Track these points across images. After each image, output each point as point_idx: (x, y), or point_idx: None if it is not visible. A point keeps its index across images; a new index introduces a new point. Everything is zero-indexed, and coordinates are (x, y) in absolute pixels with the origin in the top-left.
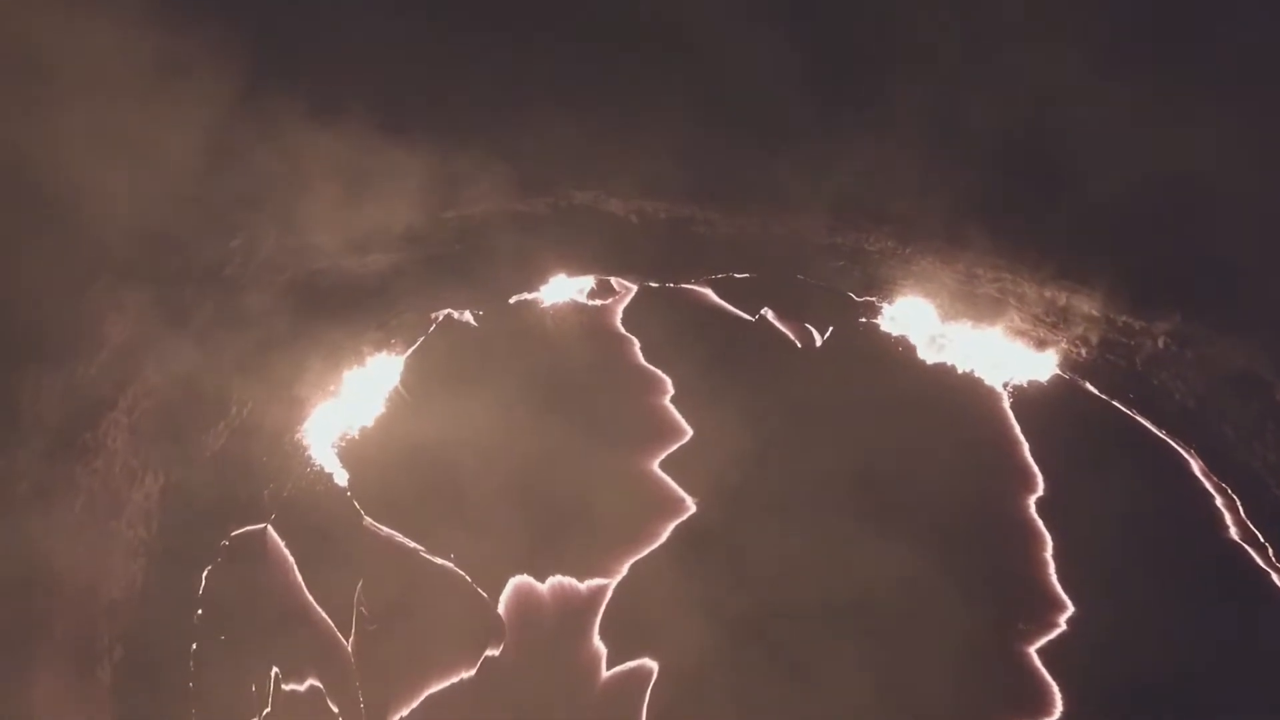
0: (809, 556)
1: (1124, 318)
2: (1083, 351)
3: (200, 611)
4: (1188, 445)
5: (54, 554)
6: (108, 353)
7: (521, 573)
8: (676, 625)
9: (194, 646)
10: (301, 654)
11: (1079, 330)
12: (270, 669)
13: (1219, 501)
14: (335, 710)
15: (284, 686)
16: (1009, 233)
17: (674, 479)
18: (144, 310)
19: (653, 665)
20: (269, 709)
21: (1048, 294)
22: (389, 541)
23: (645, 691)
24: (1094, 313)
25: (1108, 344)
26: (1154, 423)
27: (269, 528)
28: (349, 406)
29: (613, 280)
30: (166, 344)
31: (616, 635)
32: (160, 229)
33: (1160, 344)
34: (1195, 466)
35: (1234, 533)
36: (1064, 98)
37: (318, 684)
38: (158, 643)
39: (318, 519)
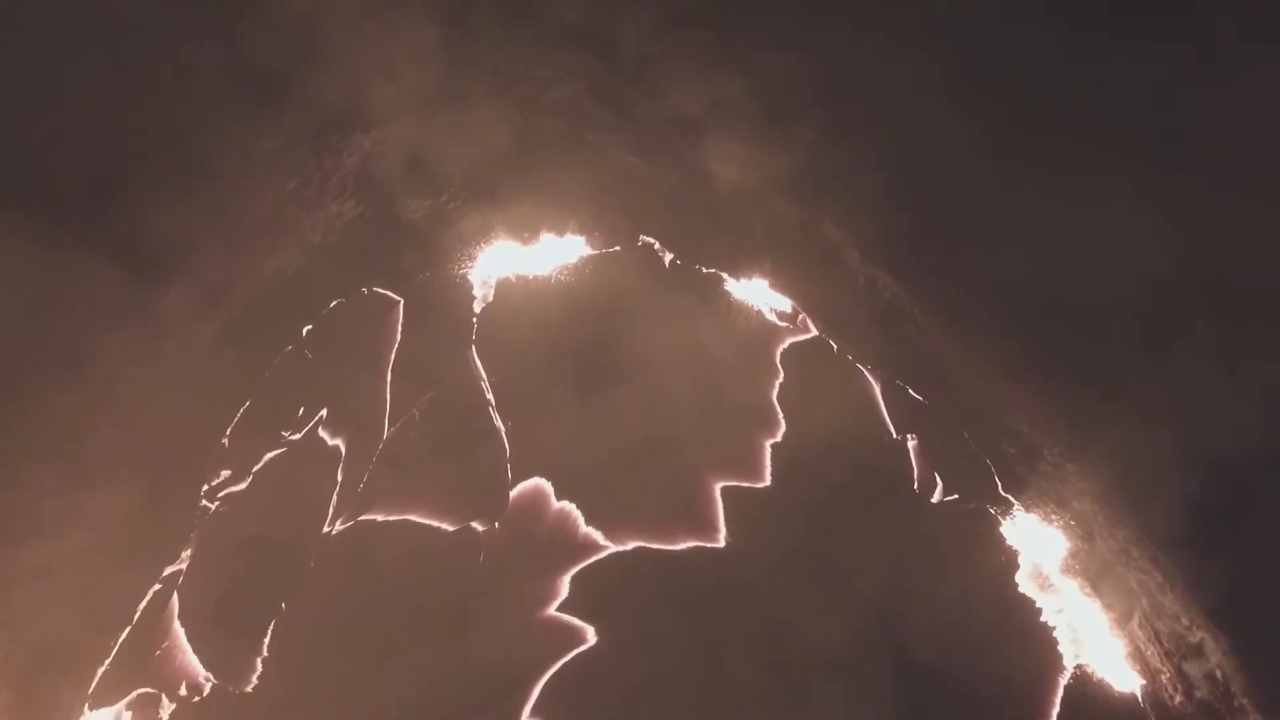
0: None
1: (1247, 701)
2: (1177, 697)
3: (311, 327)
4: None
5: (251, 209)
6: (394, 92)
7: (546, 478)
8: (642, 626)
9: (289, 347)
10: (349, 415)
11: (1190, 674)
12: (323, 409)
13: None
14: (338, 478)
15: (320, 430)
16: (1191, 546)
17: (725, 507)
18: (442, 78)
19: (593, 638)
20: (299, 436)
21: (1185, 623)
22: (474, 379)
23: (570, 651)
24: (1219, 675)
25: (1210, 709)
26: None
27: (402, 303)
28: (525, 256)
29: (801, 315)
30: (440, 115)
31: (584, 590)
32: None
33: None
34: None
35: None
36: None
37: (342, 447)
38: (269, 325)
39: (439, 325)
